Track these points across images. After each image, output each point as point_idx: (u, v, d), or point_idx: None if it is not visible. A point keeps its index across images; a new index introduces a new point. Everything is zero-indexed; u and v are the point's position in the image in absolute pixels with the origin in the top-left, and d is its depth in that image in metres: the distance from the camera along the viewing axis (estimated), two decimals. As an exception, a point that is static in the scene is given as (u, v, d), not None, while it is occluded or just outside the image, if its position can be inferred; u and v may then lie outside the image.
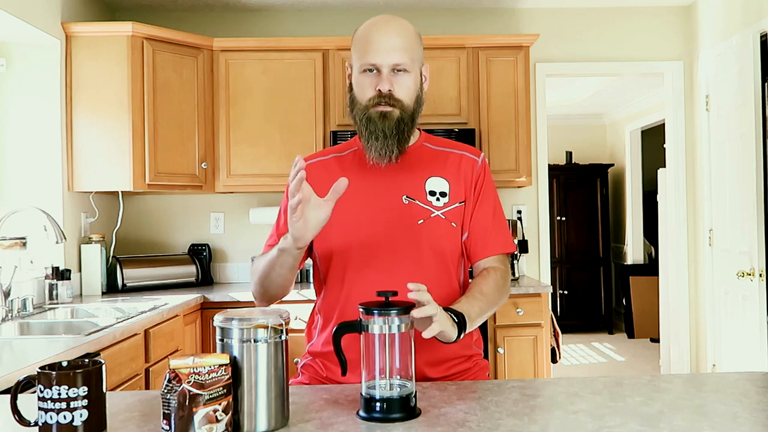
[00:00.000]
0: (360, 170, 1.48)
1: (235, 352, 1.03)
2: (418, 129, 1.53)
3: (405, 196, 1.45)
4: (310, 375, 1.51)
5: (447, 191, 1.47)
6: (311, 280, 3.44)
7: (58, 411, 0.97)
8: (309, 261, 1.55)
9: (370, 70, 1.42)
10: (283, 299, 1.54)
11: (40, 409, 0.98)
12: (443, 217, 1.45)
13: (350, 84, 1.49)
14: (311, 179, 1.50)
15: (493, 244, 1.49)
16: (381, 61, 1.40)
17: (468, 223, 1.48)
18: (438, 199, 1.46)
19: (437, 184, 1.47)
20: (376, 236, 1.42)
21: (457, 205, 1.47)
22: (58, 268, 3.02)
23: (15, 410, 1.01)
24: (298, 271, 1.44)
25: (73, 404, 0.97)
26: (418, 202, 1.45)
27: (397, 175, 1.46)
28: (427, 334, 1.15)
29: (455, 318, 1.26)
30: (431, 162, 1.50)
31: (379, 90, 1.41)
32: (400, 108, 1.42)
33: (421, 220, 1.44)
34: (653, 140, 6.68)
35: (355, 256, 1.43)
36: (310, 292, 3.24)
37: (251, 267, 1.47)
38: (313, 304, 1.59)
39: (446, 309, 1.28)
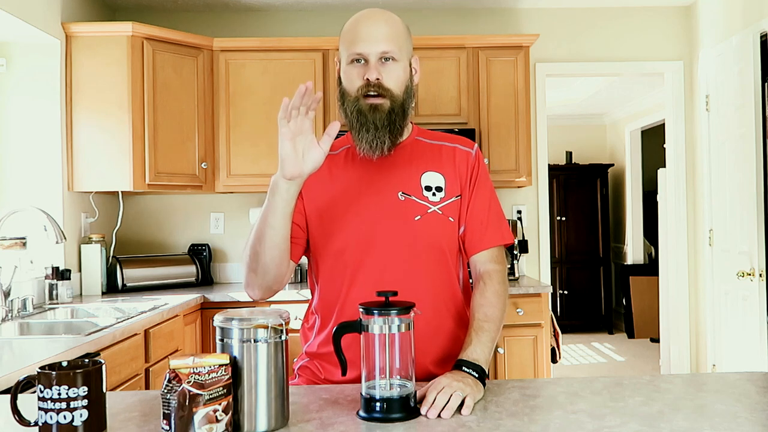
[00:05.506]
0: (354, 168, 1.45)
1: (235, 352, 1.03)
2: (411, 123, 1.50)
3: (401, 193, 1.42)
4: (307, 377, 1.48)
5: (443, 186, 1.44)
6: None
7: (58, 411, 0.97)
8: (304, 260, 1.53)
9: (358, 60, 1.40)
10: (283, 300, 1.53)
11: (40, 409, 0.98)
12: (440, 212, 1.42)
13: (339, 78, 1.46)
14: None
15: (489, 236, 1.46)
16: (368, 50, 1.38)
17: (464, 217, 1.45)
18: (434, 194, 1.43)
19: (433, 178, 1.44)
20: (372, 234, 1.40)
21: (453, 199, 1.44)
22: (58, 268, 3.01)
23: (15, 410, 1.00)
24: (296, 267, 1.41)
25: (73, 404, 0.97)
26: (414, 197, 1.42)
27: (392, 171, 1.43)
28: (466, 412, 1.12)
29: (474, 373, 1.24)
30: (425, 156, 1.47)
31: (367, 79, 1.37)
32: (390, 98, 1.39)
33: (418, 216, 1.41)
34: (653, 140, 6.68)
35: (352, 254, 1.40)
36: (309, 293, 3.24)
37: (242, 252, 1.44)
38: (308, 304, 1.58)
39: (461, 362, 1.26)
